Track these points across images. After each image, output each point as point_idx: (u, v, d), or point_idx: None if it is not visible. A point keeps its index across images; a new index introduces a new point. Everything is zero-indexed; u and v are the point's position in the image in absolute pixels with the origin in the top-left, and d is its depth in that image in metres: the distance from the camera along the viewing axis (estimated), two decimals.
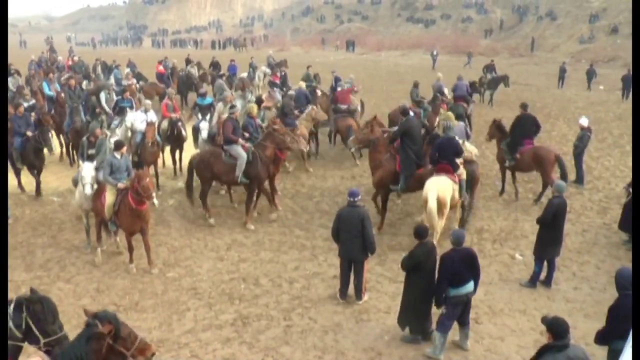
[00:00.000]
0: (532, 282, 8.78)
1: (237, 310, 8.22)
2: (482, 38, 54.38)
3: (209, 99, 15.21)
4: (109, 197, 9.50)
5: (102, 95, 16.24)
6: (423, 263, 6.98)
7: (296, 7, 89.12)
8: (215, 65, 27.96)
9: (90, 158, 10.63)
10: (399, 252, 9.93)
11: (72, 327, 7.61)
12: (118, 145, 9.91)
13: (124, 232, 9.56)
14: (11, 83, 20.03)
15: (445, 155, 9.95)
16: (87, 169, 10.13)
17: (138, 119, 13.44)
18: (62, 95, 16.64)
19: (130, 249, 9.51)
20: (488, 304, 8.30)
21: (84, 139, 11.22)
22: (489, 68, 26.82)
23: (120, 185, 9.46)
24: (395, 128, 13.36)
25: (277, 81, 22.02)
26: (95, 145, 10.81)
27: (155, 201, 9.47)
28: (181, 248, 10.38)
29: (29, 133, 12.65)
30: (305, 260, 9.81)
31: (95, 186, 10.05)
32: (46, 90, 18.88)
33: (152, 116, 13.57)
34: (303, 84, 17.85)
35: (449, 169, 9.92)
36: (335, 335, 7.59)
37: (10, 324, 5.00)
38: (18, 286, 8.90)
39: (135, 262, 9.68)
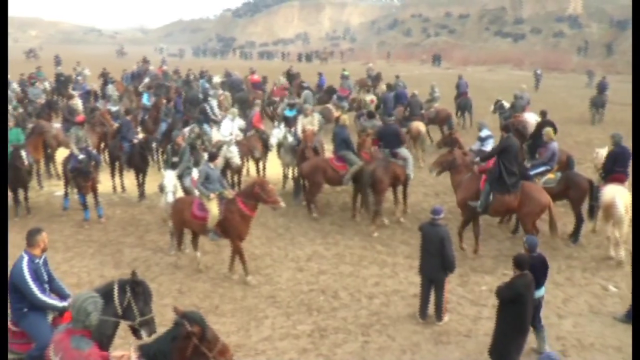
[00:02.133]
0: (629, 316, 8.12)
1: (315, 322, 8.23)
2: (574, 54, 52.05)
3: (295, 110, 15.44)
4: (213, 208, 9.46)
5: (214, 103, 17.23)
6: (523, 296, 6.55)
7: (383, 20, 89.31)
8: (294, 75, 28.50)
9: (173, 166, 11.04)
10: (481, 274, 9.66)
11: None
12: (212, 157, 10.08)
13: (231, 240, 9.58)
14: (111, 89, 21.37)
15: (622, 164, 10.12)
16: (169, 177, 10.51)
17: (226, 127, 13.92)
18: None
19: (242, 257, 9.53)
20: (577, 336, 7.83)
21: (168, 146, 11.70)
22: (602, 85, 25.28)
23: (212, 195, 9.53)
24: (475, 146, 13.00)
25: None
26: (178, 153, 11.20)
27: (282, 204, 9.38)
28: (262, 256, 10.55)
29: (135, 140, 13.38)
30: (385, 276, 9.70)
31: (178, 194, 10.41)
32: (144, 100, 19.91)
33: (239, 123, 14.02)
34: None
35: (624, 178, 10.04)
36: (412, 355, 7.43)
37: (116, 301, 5.52)
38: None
39: (216, 267, 9.96)
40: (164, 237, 11.37)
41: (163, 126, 15.57)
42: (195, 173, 11.10)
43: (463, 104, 22.33)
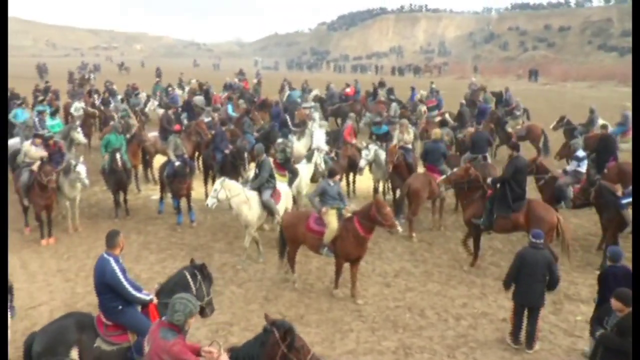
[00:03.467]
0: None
1: (400, 339, 8.25)
2: None
3: (384, 127, 15.52)
4: (332, 222, 9.32)
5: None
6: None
7: (479, 33, 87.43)
8: (381, 84, 28.67)
9: (255, 177, 11.25)
10: (576, 302, 9.31)
11: (240, 329, 8.33)
12: (332, 173, 9.97)
13: (336, 257, 9.48)
14: (199, 101, 22.46)
15: None
16: (219, 182, 10.79)
17: (320, 138, 14.35)
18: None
19: (338, 274, 9.56)
20: None
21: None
22: None
23: (324, 209, 9.40)
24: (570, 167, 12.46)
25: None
26: (258, 164, 11.26)
27: (399, 228, 9.06)
28: (349, 269, 10.68)
29: (227, 151, 14.06)
30: (474, 297, 9.56)
31: (257, 208, 10.67)
32: (229, 112, 20.84)
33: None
34: None
35: None
36: None
37: (191, 285, 6.45)
38: None
39: (303, 277, 10.21)
40: (252, 244, 11.80)
41: (249, 137, 15.97)
42: (283, 186, 11.42)
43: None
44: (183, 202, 13.12)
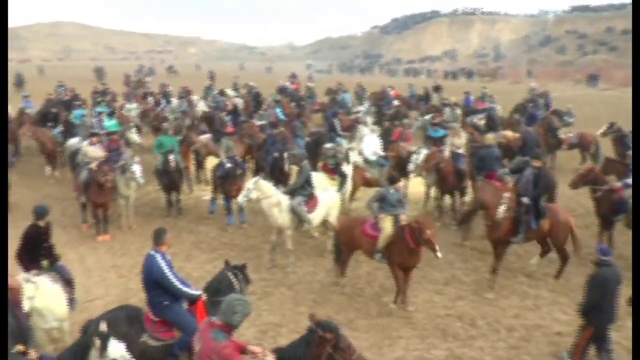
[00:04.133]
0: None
1: (450, 348, 8.09)
2: None
3: (441, 131, 15.31)
4: (387, 227, 9.23)
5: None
6: None
7: (535, 36, 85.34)
8: (436, 88, 28.39)
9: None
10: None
11: (289, 330, 8.34)
12: (393, 180, 9.75)
13: (390, 265, 9.34)
14: (270, 113, 22.69)
15: None
16: (253, 182, 10.80)
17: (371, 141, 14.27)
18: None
19: (398, 283, 9.31)
20: None
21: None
22: None
23: (382, 215, 9.30)
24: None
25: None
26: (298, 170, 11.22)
27: (439, 254, 8.69)
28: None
29: (277, 154, 14.18)
30: (526, 309, 9.26)
31: (287, 212, 10.58)
32: (279, 115, 21.04)
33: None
34: None
35: None
36: None
37: (236, 285, 6.70)
38: None
39: (353, 282, 10.14)
40: (302, 247, 11.84)
41: (299, 142, 16.00)
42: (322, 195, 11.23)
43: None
44: (234, 203, 13.30)
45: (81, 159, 13.20)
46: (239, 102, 24.08)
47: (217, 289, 6.56)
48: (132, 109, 22.28)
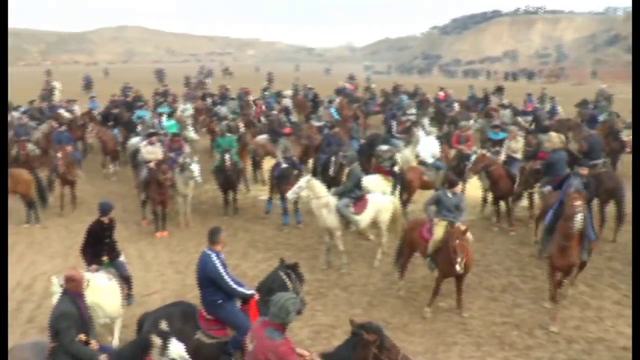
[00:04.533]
0: None
1: (507, 358, 7.86)
2: None
3: (502, 133, 14.93)
4: (438, 232, 8.98)
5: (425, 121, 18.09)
6: None
7: (601, 35, 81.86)
8: (498, 89, 27.76)
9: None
10: None
11: (343, 332, 8.23)
12: (452, 183, 9.45)
13: (438, 271, 9.08)
14: (324, 113, 22.80)
15: None
16: (305, 181, 10.72)
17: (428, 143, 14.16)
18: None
19: (436, 292, 9.05)
20: None
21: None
22: None
23: (436, 220, 9.12)
24: None
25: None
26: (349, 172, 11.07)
27: (459, 267, 8.33)
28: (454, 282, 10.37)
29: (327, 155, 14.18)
30: (588, 320, 8.88)
31: (335, 214, 10.46)
32: (334, 115, 21.19)
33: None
34: None
35: None
36: None
37: (289, 285, 6.68)
38: None
39: (408, 285, 10.01)
40: (358, 249, 11.81)
41: (355, 144, 15.85)
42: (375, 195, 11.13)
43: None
44: (290, 203, 13.37)
45: (141, 158, 13.63)
46: (288, 102, 24.27)
47: (270, 288, 6.58)
48: (186, 109, 22.77)
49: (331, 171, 13.29)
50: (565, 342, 8.26)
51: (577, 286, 10.03)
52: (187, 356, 5.31)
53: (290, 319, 4.91)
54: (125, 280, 8.11)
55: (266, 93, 28.51)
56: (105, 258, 7.98)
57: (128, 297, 8.12)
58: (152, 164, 12.67)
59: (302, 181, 10.88)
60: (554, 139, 13.04)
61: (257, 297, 6.53)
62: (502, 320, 8.89)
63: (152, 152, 13.21)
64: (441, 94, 27.24)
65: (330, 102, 23.20)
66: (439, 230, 8.98)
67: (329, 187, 13.74)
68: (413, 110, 20.85)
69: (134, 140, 16.37)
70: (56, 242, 12.44)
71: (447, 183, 9.61)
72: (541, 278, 10.36)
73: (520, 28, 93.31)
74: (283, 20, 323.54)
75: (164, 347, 5.19)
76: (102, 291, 7.34)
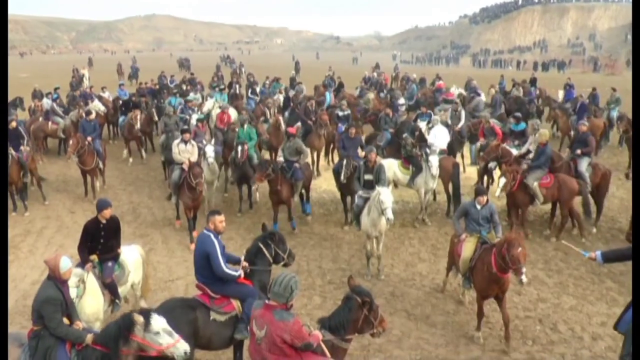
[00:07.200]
0: None
1: (529, 352, 7.78)
2: None
3: (523, 124, 14.67)
4: (467, 250, 8.29)
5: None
6: None
7: None
8: (532, 81, 27.24)
9: (367, 184, 10.40)
10: None
11: None
12: (478, 192, 8.62)
13: (476, 292, 8.25)
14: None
15: None
16: (385, 194, 9.54)
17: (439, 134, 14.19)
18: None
19: (480, 314, 8.13)
20: None
21: (361, 162, 11.02)
22: None
23: (464, 236, 8.49)
24: None
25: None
26: (372, 170, 10.50)
27: (524, 278, 7.16)
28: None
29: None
30: (615, 317, 8.61)
31: (389, 214, 9.38)
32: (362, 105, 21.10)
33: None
34: None
35: None
36: None
37: (267, 254, 6.92)
38: (324, 273, 10.21)
39: (431, 277, 9.95)
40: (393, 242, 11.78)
41: (387, 135, 15.46)
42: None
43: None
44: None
45: (174, 157, 12.66)
46: (303, 89, 24.18)
47: (253, 261, 6.90)
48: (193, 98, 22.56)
49: (342, 177, 12.33)
50: (591, 338, 8.13)
51: (605, 282, 9.87)
52: (169, 328, 5.38)
53: (293, 296, 5.01)
54: (107, 286, 7.43)
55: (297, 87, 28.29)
56: (94, 257, 7.43)
57: (113, 304, 7.58)
58: (184, 165, 11.76)
59: (384, 196, 9.48)
60: (544, 133, 12.51)
61: (242, 275, 6.75)
62: (525, 314, 8.79)
63: (185, 151, 12.47)
64: (440, 82, 26.52)
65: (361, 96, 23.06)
66: (469, 247, 8.29)
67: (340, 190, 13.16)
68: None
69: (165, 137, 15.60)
70: None
71: (475, 192, 8.76)
72: (566, 272, 10.22)
73: (552, 17, 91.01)
74: (311, 9, 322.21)
75: (147, 324, 5.28)
76: (87, 293, 7.10)
